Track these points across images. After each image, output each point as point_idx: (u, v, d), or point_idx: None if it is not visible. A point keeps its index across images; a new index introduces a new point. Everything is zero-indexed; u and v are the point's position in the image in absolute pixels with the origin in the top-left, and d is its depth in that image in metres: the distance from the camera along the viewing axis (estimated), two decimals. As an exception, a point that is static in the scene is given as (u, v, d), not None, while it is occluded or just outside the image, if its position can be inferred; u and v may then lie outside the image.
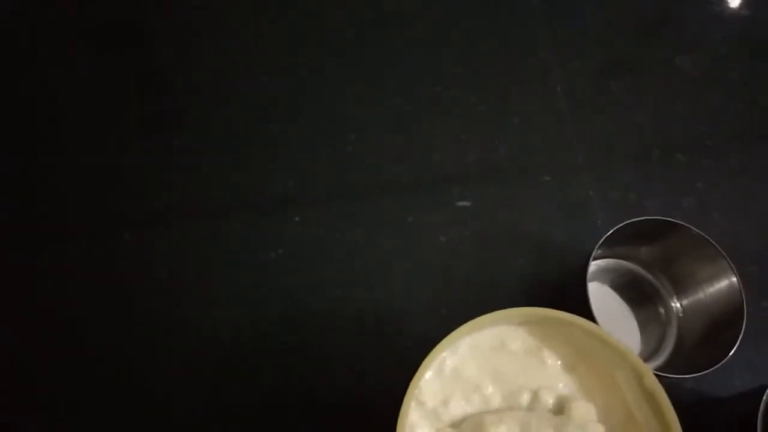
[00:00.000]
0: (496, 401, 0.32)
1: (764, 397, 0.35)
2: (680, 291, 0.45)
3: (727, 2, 0.60)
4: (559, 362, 0.34)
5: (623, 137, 0.54)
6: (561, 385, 0.33)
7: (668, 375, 0.38)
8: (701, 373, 0.38)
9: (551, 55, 0.57)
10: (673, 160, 0.53)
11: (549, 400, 0.32)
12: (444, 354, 0.33)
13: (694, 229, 0.41)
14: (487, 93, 0.55)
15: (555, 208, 0.50)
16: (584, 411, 0.31)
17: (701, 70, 0.57)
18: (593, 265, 0.47)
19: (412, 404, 0.32)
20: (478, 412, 0.32)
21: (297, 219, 0.49)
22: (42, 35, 0.56)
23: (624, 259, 0.47)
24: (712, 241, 0.41)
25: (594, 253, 0.41)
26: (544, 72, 0.56)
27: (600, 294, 0.46)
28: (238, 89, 0.54)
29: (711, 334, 0.42)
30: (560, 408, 0.32)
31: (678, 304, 0.45)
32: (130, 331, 0.45)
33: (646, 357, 0.44)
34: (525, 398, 0.32)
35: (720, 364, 0.37)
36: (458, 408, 0.32)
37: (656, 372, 0.38)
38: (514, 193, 0.51)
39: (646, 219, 0.41)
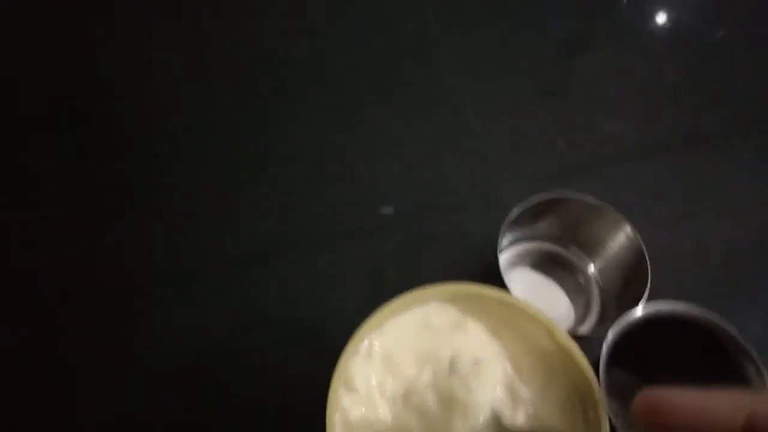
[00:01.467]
0: (426, 376, 0.34)
1: (605, 341, 0.36)
2: (591, 256, 0.48)
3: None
4: (482, 328, 0.36)
5: (531, 129, 0.59)
6: (481, 350, 0.35)
7: (585, 335, 0.41)
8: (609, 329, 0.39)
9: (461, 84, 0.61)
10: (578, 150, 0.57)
11: (466, 364, 0.34)
12: (370, 337, 0.35)
13: (588, 199, 0.45)
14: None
15: (472, 204, 0.54)
16: (493, 371, 0.33)
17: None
18: (513, 249, 0.50)
19: (342, 390, 0.33)
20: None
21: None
22: None
23: (538, 239, 0.50)
24: (607, 204, 0.44)
25: (502, 237, 0.44)
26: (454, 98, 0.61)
27: (523, 277, 0.49)
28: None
29: (625, 289, 0.45)
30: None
31: (593, 269, 0.49)
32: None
33: (578, 323, 0.47)
34: (445, 365, 0.34)
35: (626, 315, 0.40)
36: (390, 389, 0.34)
37: (574, 333, 0.41)
38: (433, 196, 0.54)
39: (544, 198, 0.45)
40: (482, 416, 0.32)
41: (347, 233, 0.52)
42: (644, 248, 0.43)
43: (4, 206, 0.53)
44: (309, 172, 0.55)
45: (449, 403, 0.32)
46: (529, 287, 0.49)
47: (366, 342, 0.35)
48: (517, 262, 0.50)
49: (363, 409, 0.33)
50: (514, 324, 0.36)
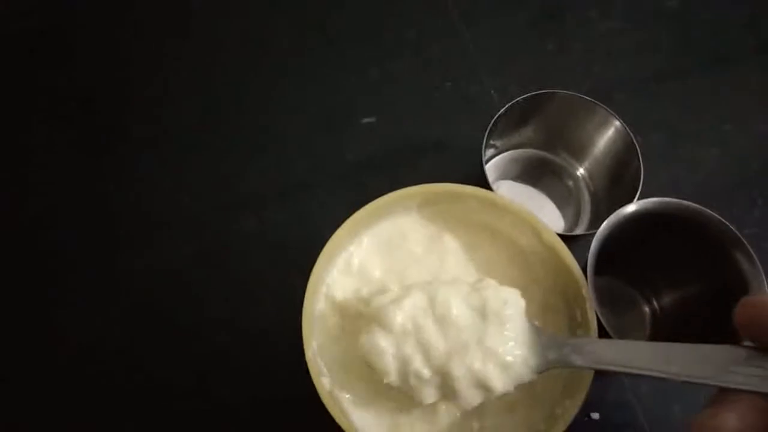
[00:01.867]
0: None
1: (593, 239, 0.35)
2: (579, 158, 0.46)
3: None
4: (459, 243, 0.34)
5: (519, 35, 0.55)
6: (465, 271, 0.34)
7: (574, 234, 0.39)
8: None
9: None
10: (566, 47, 0.54)
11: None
12: (350, 249, 0.34)
13: (575, 93, 0.42)
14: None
15: (457, 111, 0.51)
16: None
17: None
18: (499, 159, 0.47)
19: (322, 298, 0.32)
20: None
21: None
22: None
23: (523, 147, 0.48)
24: (594, 101, 0.41)
25: (486, 145, 0.41)
26: None
27: (511, 189, 0.47)
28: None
29: (616, 188, 0.43)
30: None
31: (583, 171, 0.46)
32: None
33: (569, 229, 0.45)
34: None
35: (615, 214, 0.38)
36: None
37: (564, 233, 0.39)
38: (416, 102, 0.51)
39: (528, 96, 0.42)
40: None
41: (329, 139, 0.50)
42: (636, 144, 0.40)
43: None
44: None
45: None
46: (518, 197, 0.47)
47: (344, 253, 0.33)
48: (504, 171, 0.47)
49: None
50: (494, 227, 0.34)
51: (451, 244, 0.34)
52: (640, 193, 0.39)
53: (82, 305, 0.45)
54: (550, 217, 0.46)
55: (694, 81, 0.52)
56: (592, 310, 0.30)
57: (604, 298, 0.36)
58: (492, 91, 0.52)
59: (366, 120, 0.51)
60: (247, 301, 0.45)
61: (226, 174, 0.49)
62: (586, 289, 0.31)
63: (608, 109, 0.41)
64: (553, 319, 0.32)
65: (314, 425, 0.29)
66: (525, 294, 0.30)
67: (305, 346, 0.30)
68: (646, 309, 0.42)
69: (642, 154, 0.40)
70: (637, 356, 0.24)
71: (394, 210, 0.34)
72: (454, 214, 0.35)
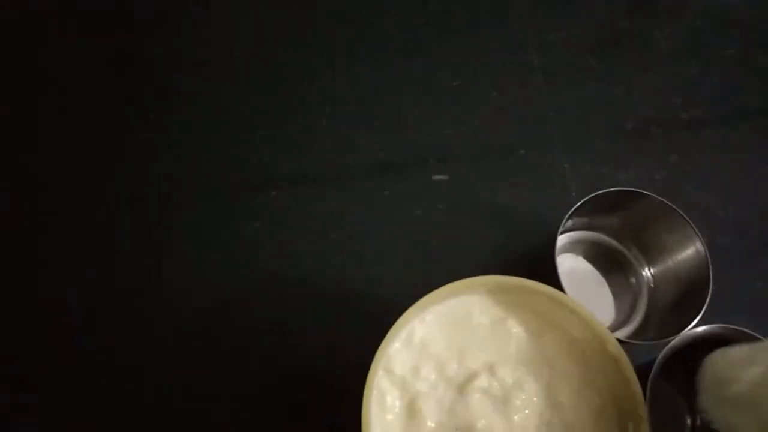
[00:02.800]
0: (460, 375, 0.33)
1: (658, 358, 0.35)
2: (650, 260, 0.46)
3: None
4: (523, 329, 0.35)
5: (598, 110, 0.54)
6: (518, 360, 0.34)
7: (635, 341, 0.39)
8: (668, 339, 0.38)
9: (526, 27, 0.57)
10: (647, 132, 0.53)
11: (507, 379, 0.33)
12: (413, 324, 0.34)
13: (661, 198, 0.42)
14: (461, 65, 0.55)
15: (529, 181, 0.51)
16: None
17: (678, 43, 0.57)
18: (566, 237, 0.48)
19: (381, 372, 0.32)
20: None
21: (274, 193, 0.50)
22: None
23: (596, 230, 0.48)
24: (679, 210, 0.42)
25: (564, 224, 0.41)
26: (519, 44, 0.56)
27: (573, 265, 0.47)
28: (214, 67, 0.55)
29: (679, 302, 0.43)
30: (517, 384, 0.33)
31: (648, 273, 0.46)
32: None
33: (619, 325, 0.45)
34: (483, 376, 0.33)
35: (686, 330, 0.38)
36: (426, 377, 0.33)
37: (626, 339, 0.39)
38: (489, 166, 0.52)
39: (614, 190, 0.42)
40: None
41: (399, 196, 0.50)
42: (710, 267, 0.40)
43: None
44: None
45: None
46: (577, 276, 0.47)
47: (408, 328, 0.34)
48: (569, 248, 0.48)
49: (398, 390, 0.32)
50: (558, 322, 0.35)
51: (514, 328, 0.35)
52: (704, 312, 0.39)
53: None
54: (605, 306, 0.46)
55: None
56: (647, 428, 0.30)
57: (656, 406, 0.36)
58: (565, 165, 0.52)
59: (437, 177, 0.51)
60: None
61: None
62: (643, 408, 0.31)
63: (693, 226, 0.41)
64: (606, 426, 0.32)
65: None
66: (581, 394, 0.30)
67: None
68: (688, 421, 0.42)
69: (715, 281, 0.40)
70: None
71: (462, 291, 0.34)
72: (521, 302, 0.35)
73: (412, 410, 0.31)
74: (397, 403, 0.32)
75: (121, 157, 0.51)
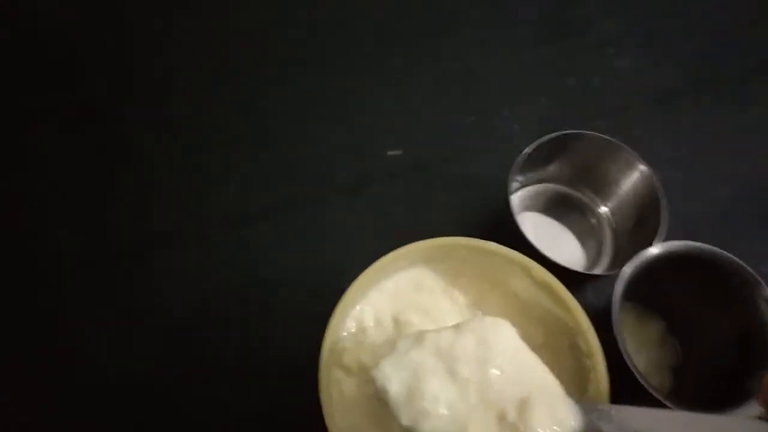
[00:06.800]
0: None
1: (619, 278, 0.36)
2: (604, 197, 0.47)
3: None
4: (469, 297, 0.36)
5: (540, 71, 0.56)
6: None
7: (595, 273, 0.40)
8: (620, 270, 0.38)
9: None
10: (589, 87, 0.55)
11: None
12: (359, 307, 0.35)
13: (600, 134, 0.43)
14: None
15: (481, 146, 0.52)
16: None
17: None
18: (523, 194, 0.48)
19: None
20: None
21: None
22: None
23: (548, 182, 0.49)
24: (617, 141, 0.43)
25: (512, 178, 0.42)
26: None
27: (535, 221, 0.48)
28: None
29: (639, 228, 0.44)
30: None
31: (606, 210, 0.47)
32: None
33: (591, 265, 0.46)
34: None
35: (641, 253, 0.38)
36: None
37: (588, 272, 0.40)
38: (441, 136, 0.53)
39: (555, 135, 0.43)
40: None
41: (356, 178, 0.51)
42: (660, 187, 0.42)
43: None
44: (309, 117, 0.54)
45: None
46: (540, 230, 0.48)
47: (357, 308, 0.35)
48: (528, 205, 0.49)
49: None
50: (497, 277, 0.36)
51: (460, 298, 0.36)
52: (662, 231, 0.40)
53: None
54: (572, 253, 0.47)
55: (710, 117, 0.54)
56: (595, 338, 0.31)
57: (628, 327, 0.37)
58: (515, 126, 0.53)
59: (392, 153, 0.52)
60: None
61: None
62: (583, 317, 0.32)
63: (633, 153, 0.43)
64: (556, 359, 0.32)
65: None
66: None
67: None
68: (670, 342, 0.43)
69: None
70: (665, 426, 0.25)
71: (399, 266, 0.35)
72: (455, 268, 0.36)
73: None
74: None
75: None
